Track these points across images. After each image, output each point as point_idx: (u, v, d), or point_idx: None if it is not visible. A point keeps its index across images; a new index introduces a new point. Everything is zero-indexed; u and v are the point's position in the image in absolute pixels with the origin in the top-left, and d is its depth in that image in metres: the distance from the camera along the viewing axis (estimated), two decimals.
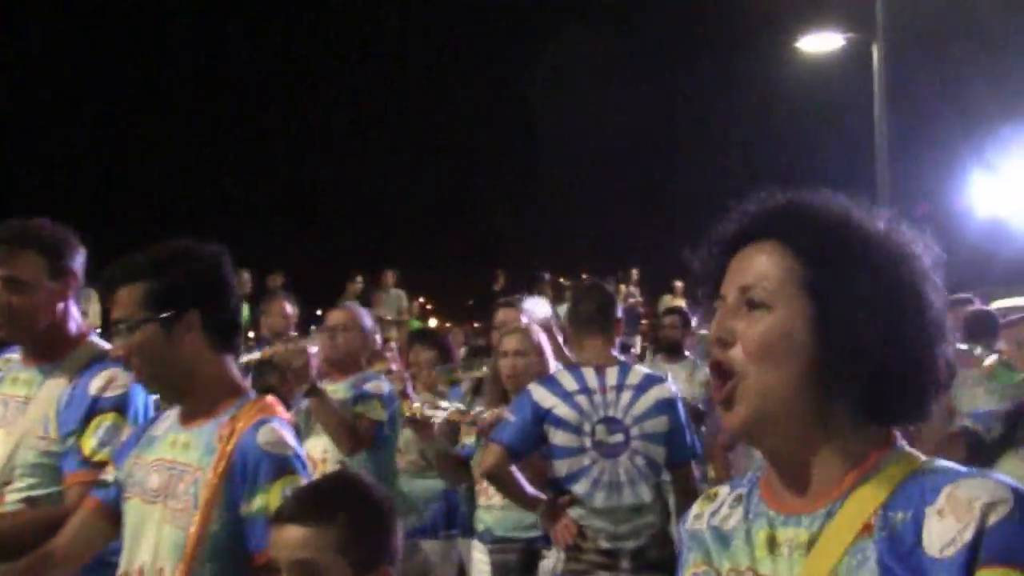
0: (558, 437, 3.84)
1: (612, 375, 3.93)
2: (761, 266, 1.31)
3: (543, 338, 4.37)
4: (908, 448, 1.28)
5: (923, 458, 1.27)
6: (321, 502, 1.98)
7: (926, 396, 1.27)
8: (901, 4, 16.30)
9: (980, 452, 3.50)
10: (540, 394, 3.90)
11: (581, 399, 3.86)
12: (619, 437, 3.83)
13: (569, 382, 3.92)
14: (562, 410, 3.84)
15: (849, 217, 1.32)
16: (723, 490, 1.46)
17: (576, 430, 3.83)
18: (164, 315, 2.28)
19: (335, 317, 4.77)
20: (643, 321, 16.41)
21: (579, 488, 3.80)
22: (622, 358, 4.13)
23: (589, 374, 3.93)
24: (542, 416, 3.84)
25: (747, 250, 1.35)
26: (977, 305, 7.87)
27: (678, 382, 5.39)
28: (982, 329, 6.29)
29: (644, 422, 3.87)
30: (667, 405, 3.95)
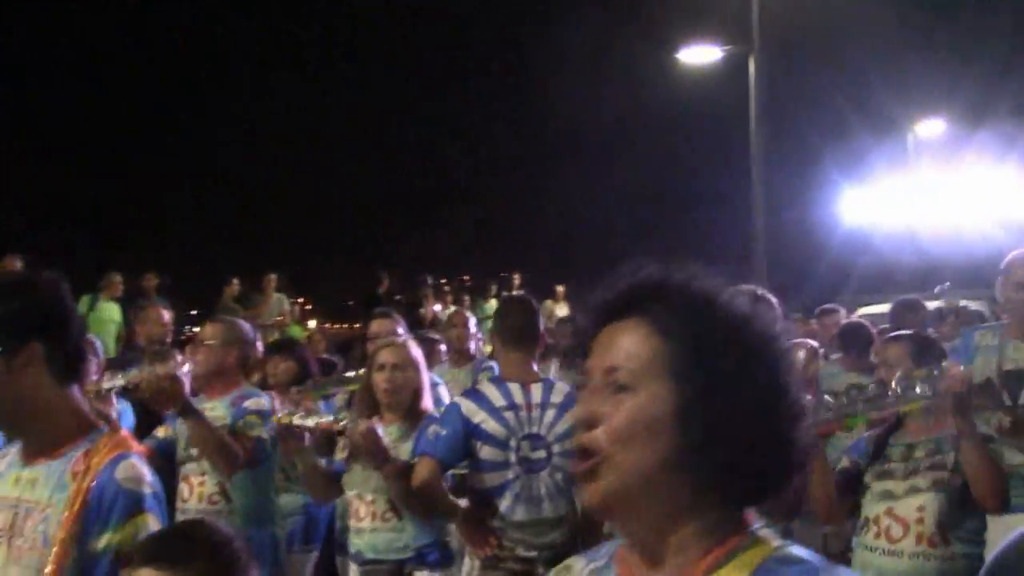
0: (484, 451, 3.90)
1: (537, 392, 4.01)
2: (627, 346, 1.31)
3: (419, 352, 4.31)
4: (762, 532, 1.31)
5: (776, 543, 1.29)
6: (180, 547, 1.95)
7: (785, 479, 1.30)
8: (776, 19, 16.82)
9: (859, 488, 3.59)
10: (469, 408, 3.94)
11: (509, 415, 3.92)
12: (541, 453, 3.92)
13: (496, 397, 3.97)
14: (490, 425, 3.90)
15: (717, 299, 1.33)
16: (578, 564, 1.45)
17: (503, 445, 3.90)
18: (2, 349, 2.18)
19: (208, 332, 4.57)
20: None
21: (502, 501, 3.89)
22: (546, 375, 4.27)
23: (515, 390, 3.99)
24: (471, 430, 3.89)
25: (615, 326, 1.35)
26: (843, 314, 8.18)
27: None
28: (854, 341, 6.41)
29: (565, 440, 3.96)
30: None
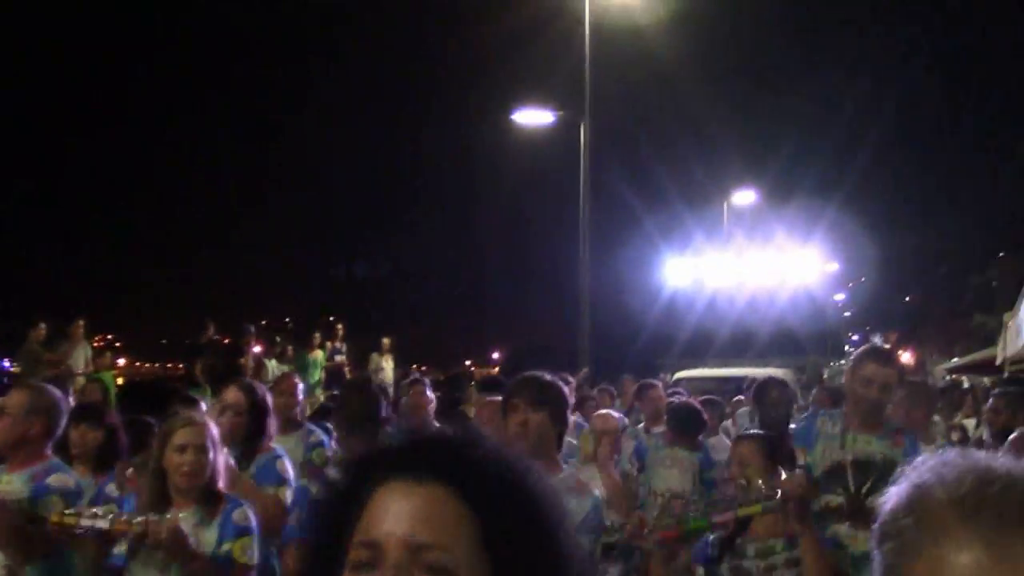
0: None
1: None
2: (434, 518, 1.11)
3: (217, 431, 3.99)
4: None
5: None
6: None
7: None
8: (607, 90, 17.47)
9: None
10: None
11: None
12: None
13: None
14: None
15: (521, 471, 1.19)
16: None
17: None
18: None
19: (12, 399, 4.17)
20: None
21: None
22: None
23: None
24: None
25: (408, 489, 1.12)
26: (660, 387, 8.30)
27: None
28: (685, 426, 6.33)
29: None
30: None
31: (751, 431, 4.21)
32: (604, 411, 6.49)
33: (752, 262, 18.22)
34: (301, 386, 6.52)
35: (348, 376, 16.28)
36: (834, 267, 30.86)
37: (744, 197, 28.94)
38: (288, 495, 4.52)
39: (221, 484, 3.90)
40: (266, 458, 4.65)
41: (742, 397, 8.65)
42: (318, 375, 15.21)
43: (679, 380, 12.64)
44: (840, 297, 54.67)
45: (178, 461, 3.79)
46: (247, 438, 4.66)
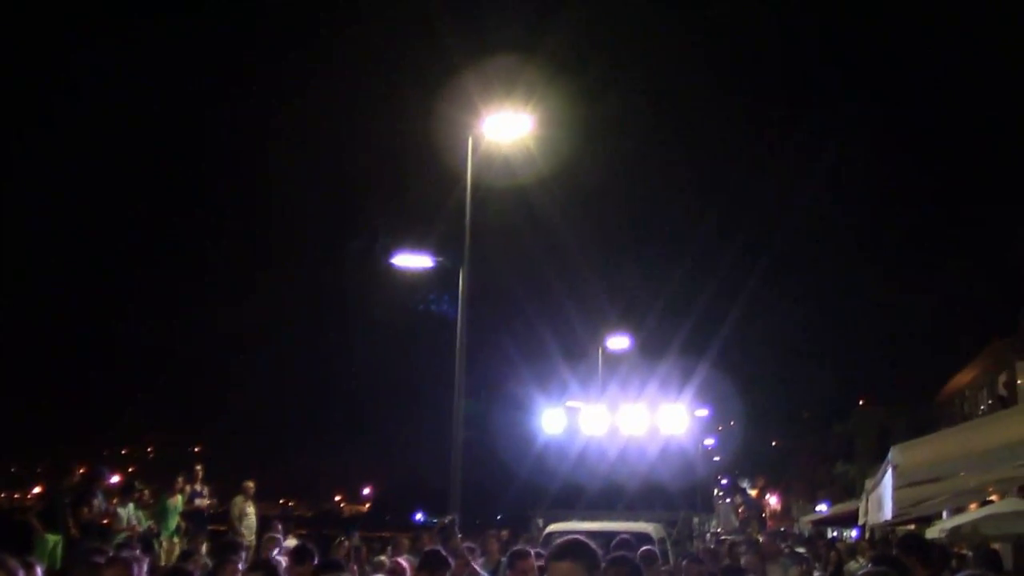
0: None
1: None
2: None
3: None
4: None
5: None
6: None
7: None
8: (485, 237, 17.76)
9: None
10: None
11: None
12: None
13: None
14: None
15: None
16: None
17: None
18: None
19: None
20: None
21: None
22: None
23: None
24: None
25: None
26: (531, 559, 8.09)
27: None
28: None
29: None
30: None
31: None
32: None
33: (625, 414, 18.46)
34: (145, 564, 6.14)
35: (207, 519, 15.56)
36: (704, 412, 31.64)
37: (618, 343, 29.64)
38: None
39: None
40: None
41: (608, 555, 8.44)
42: (175, 521, 14.50)
43: (551, 534, 12.46)
44: (710, 442, 55.77)
45: None
46: None
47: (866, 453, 46.55)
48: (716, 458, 58.64)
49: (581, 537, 4.57)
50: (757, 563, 10.46)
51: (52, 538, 12.14)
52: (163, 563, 11.90)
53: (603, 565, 6.22)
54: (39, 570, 6.95)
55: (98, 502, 12.84)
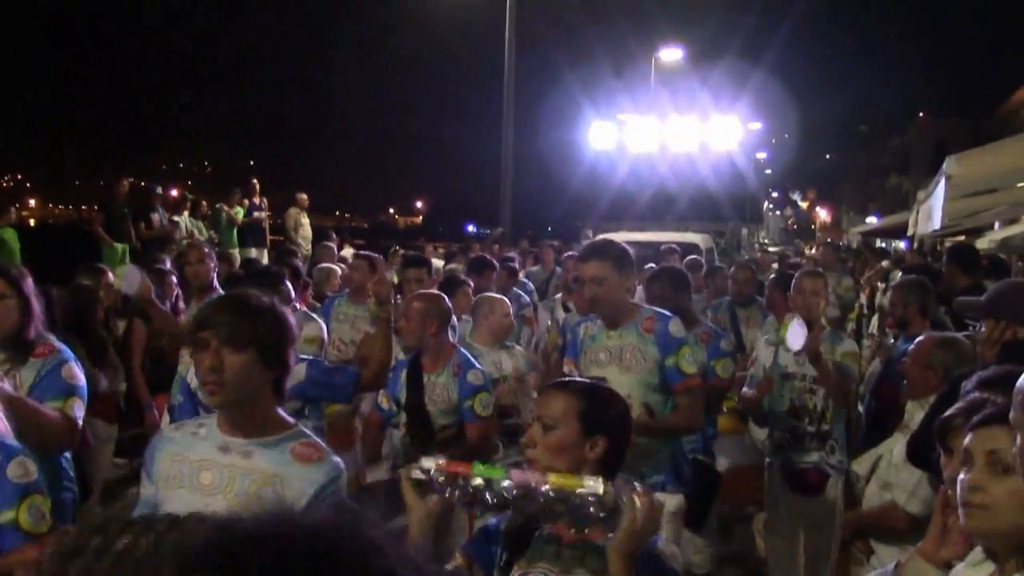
0: None
1: None
2: None
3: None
4: None
5: None
6: None
7: None
8: None
9: None
10: None
11: None
12: None
13: None
14: None
15: None
16: None
17: None
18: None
19: None
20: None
21: None
22: None
23: None
24: None
25: None
26: (572, 261, 8.16)
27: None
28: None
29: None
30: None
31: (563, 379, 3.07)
32: None
33: (675, 126, 18.15)
34: (208, 250, 6.32)
35: (267, 232, 16.03)
36: (757, 126, 31.03)
37: (671, 55, 28.74)
38: (77, 408, 3.79)
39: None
40: (46, 364, 3.82)
41: (653, 265, 8.53)
42: (233, 232, 14.91)
43: None
44: (762, 155, 55.26)
45: None
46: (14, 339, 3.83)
47: (921, 166, 45.93)
48: (768, 171, 58.33)
49: (611, 238, 4.57)
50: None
51: (119, 247, 12.64)
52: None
53: (650, 272, 6.29)
54: (110, 275, 7.30)
55: (158, 216, 13.22)
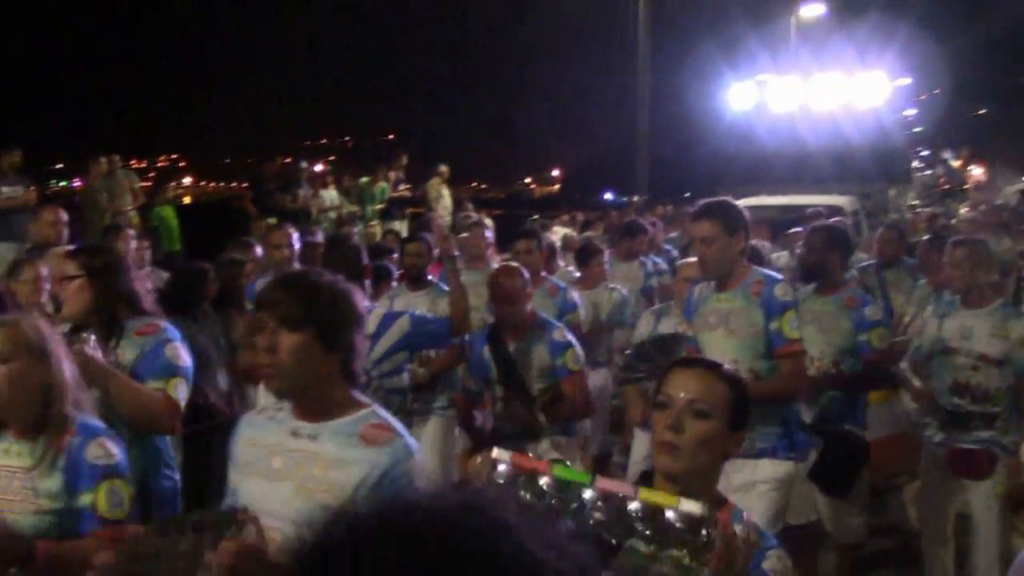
0: None
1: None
2: None
3: (52, 331, 3.03)
4: None
5: None
6: None
7: None
8: None
9: None
10: None
11: None
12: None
13: None
14: None
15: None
16: None
17: None
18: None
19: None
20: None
21: None
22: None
23: None
24: None
25: None
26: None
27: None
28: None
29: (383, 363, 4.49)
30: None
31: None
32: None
33: (818, 84, 17.54)
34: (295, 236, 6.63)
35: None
36: (905, 81, 29.66)
37: (812, 10, 27.75)
38: (180, 389, 3.65)
39: (68, 406, 2.90)
40: (149, 342, 3.69)
41: (799, 229, 8.33)
42: (376, 206, 15.24)
43: None
44: (910, 112, 52.90)
45: None
46: (102, 315, 3.69)
47: None
48: (916, 129, 55.90)
49: (728, 199, 4.50)
50: (974, 232, 10.07)
51: (268, 221, 13.12)
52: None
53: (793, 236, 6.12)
54: (258, 249, 7.60)
55: (303, 191, 13.64)
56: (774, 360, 4.18)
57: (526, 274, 5.04)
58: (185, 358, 3.71)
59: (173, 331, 3.78)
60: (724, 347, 4.11)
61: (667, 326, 5.97)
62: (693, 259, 6.91)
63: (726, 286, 4.26)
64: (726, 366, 2.45)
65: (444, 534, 0.83)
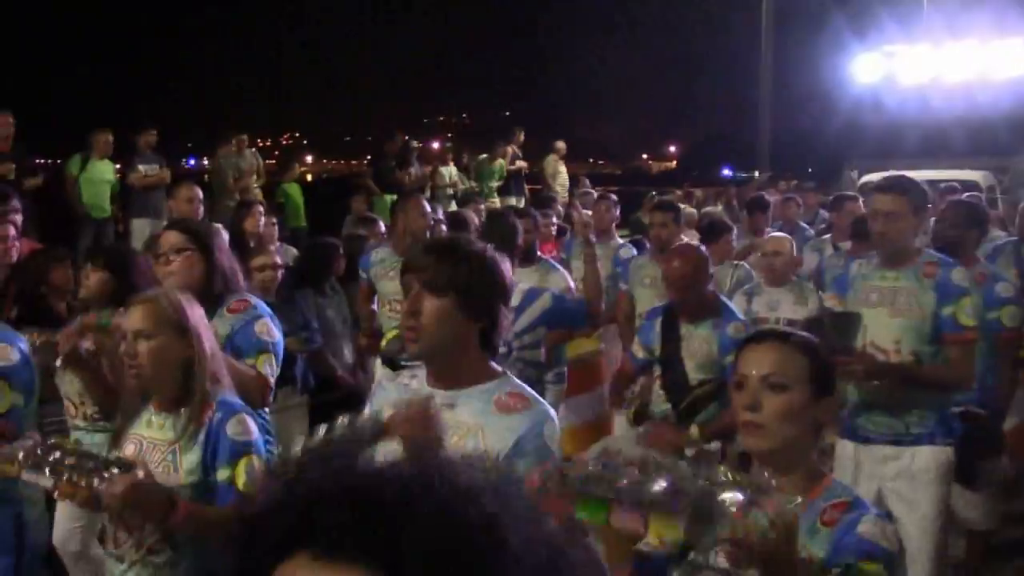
0: None
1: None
2: None
3: (194, 308, 3.03)
4: None
5: None
6: None
7: None
8: None
9: None
10: None
11: None
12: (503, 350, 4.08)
13: None
14: None
15: (484, 529, 0.80)
16: None
17: None
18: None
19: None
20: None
21: None
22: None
23: None
24: None
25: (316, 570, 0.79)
26: (860, 203, 7.74)
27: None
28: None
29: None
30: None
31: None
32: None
33: (951, 54, 16.84)
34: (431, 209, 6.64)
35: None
36: None
37: None
38: (269, 365, 3.68)
39: (212, 378, 2.95)
40: (240, 319, 3.72)
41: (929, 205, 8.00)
42: (494, 182, 15.32)
43: (867, 183, 11.90)
44: None
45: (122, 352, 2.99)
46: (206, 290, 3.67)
47: None
48: None
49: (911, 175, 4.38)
50: None
51: (388, 197, 13.35)
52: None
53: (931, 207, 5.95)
54: (381, 225, 7.76)
55: (414, 169, 13.82)
56: (941, 345, 4.02)
57: (703, 252, 4.85)
58: (275, 334, 3.75)
59: (263, 307, 3.82)
60: (886, 326, 3.97)
61: (760, 305, 5.91)
62: (781, 234, 6.84)
63: (896, 264, 4.11)
64: (798, 333, 2.36)
65: (403, 499, 0.79)
